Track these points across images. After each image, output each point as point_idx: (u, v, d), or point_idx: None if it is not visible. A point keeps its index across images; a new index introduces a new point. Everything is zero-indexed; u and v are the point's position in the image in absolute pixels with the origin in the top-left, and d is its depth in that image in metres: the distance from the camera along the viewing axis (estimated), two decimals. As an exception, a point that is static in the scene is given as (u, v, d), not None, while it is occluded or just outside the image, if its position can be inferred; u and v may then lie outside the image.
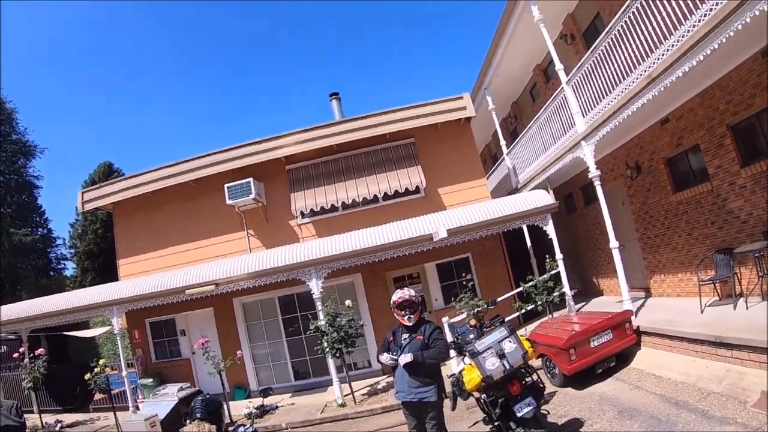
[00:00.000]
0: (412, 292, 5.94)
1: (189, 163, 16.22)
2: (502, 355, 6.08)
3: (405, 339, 5.78)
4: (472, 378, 6.55)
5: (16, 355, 15.12)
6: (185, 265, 15.25)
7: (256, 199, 15.13)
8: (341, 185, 15.53)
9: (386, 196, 15.49)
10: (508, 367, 6.04)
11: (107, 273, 32.04)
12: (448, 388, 6.38)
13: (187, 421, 5.06)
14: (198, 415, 4.75)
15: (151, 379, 15.16)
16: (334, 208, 15.71)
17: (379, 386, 13.03)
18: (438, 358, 5.66)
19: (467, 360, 6.94)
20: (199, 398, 5.06)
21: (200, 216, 16.39)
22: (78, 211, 36.26)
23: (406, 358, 5.46)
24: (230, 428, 5.55)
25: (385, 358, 5.70)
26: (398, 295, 5.93)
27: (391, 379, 13.17)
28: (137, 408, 13.42)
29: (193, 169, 16.10)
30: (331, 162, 16.03)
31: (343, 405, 11.81)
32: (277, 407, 5.99)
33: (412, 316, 5.83)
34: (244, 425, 5.27)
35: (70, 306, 14.75)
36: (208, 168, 15.95)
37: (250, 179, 15.00)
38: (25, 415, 13.43)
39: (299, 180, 15.86)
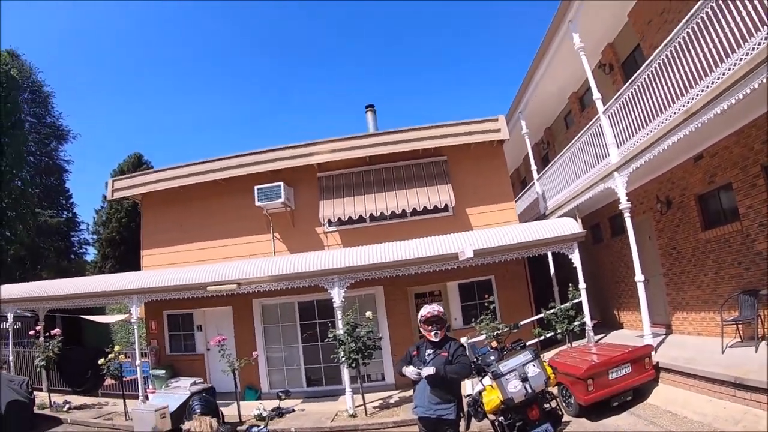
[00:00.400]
0: (440, 308, 5.97)
1: (220, 162, 16.54)
2: (524, 379, 6.17)
3: (429, 354, 5.82)
4: (491, 399, 6.63)
5: (32, 332, 15.55)
6: (208, 262, 15.59)
7: (285, 203, 15.39)
8: (371, 197, 15.72)
9: (414, 212, 15.63)
10: (529, 390, 6.12)
11: (127, 262, 32.50)
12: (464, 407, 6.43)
13: (185, 420, 5.14)
14: (198, 411, 4.89)
15: (163, 371, 15.36)
16: (361, 219, 15.88)
17: (392, 400, 13.06)
18: (460, 374, 5.71)
19: (486, 381, 7.02)
20: (196, 397, 5.17)
21: (227, 215, 16.67)
22: (106, 199, 36.99)
23: (428, 370, 5.49)
24: (243, 428, 5.62)
25: (410, 371, 5.71)
26: (427, 310, 5.97)
27: (403, 394, 13.28)
28: (147, 397, 13.70)
29: (224, 168, 16.42)
30: (363, 173, 16.26)
31: (353, 416, 11.88)
32: (293, 410, 6.04)
33: (438, 332, 5.86)
34: (258, 426, 5.35)
35: (93, 290, 15.08)
36: (240, 168, 16.26)
37: (281, 183, 15.26)
38: (35, 393, 13.79)
39: (329, 188, 16.08)
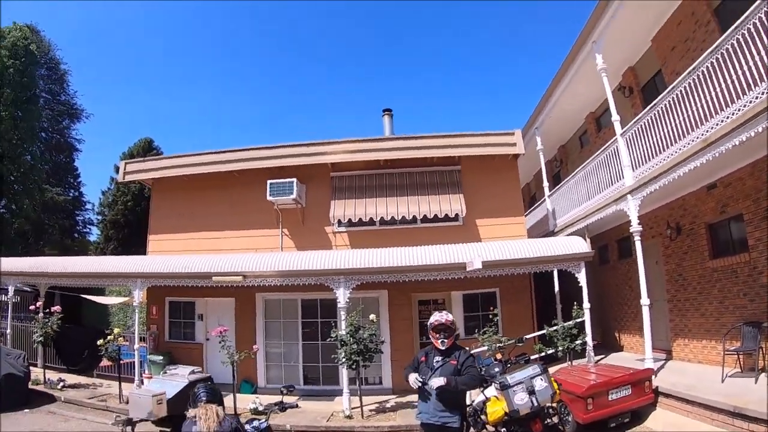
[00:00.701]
0: (450, 317, 5.97)
1: (235, 153, 16.70)
2: (532, 392, 6.27)
3: (438, 361, 5.83)
4: (495, 410, 6.72)
5: (32, 307, 15.56)
6: (214, 252, 15.69)
7: (297, 199, 15.50)
8: (382, 201, 15.86)
9: (425, 219, 15.76)
10: (535, 404, 6.23)
11: (129, 245, 32.74)
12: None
13: (189, 407, 5.15)
14: (204, 398, 4.91)
15: (161, 357, 15.43)
16: (371, 222, 15.93)
17: (388, 405, 13.11)
18: (470, 385, 5.75)
19: (488, 392, 7.12)
20: (201, 385, 5.21)
21: (237, 206, 16.79)
22: (115, 181, 37.29)
23: (438, 381, 5.48)
24: (243, 420, 5.67)
25: (413, 379, 5.73)
26: (436, 317, 5.99)
27: (400, 399, 13.36)
28: (142, 382, 13.69)
29: (238, 160, 16.57)
30: (376, 176, 16.41)
31: (350, 417, 11.93)
32: (297, 405, 6.05)
33: (446, 340, 5.87)
34: (258, 419, 5.42)
35: (98, 270, 15.25)
36: (254, 161, 16.42)
37: (294, 179, 15.39)
38: (30, 368, 13.88)
39: (341, 188, 16.24)
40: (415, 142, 15.94)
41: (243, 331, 15.69)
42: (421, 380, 5.67)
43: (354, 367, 12.11)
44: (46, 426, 11.30)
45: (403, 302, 15.50)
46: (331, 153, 16.10)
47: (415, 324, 15.41)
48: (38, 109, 33.96)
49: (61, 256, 17.48)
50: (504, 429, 6.71)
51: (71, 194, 42.15)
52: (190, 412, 4.85)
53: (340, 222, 16.13)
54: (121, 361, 14.00)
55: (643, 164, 11.21)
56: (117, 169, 37.12)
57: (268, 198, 15.45)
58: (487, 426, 7.14)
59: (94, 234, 42.66)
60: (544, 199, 18.22)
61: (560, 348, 12.51)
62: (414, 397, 12.93)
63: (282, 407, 6.19)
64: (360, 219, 15.68)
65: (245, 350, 12.92)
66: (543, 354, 12.76)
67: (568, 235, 14.71)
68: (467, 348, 6.39)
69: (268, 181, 15.50)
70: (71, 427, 11.31)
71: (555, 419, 6.81)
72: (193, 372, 12.21)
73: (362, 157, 16.06)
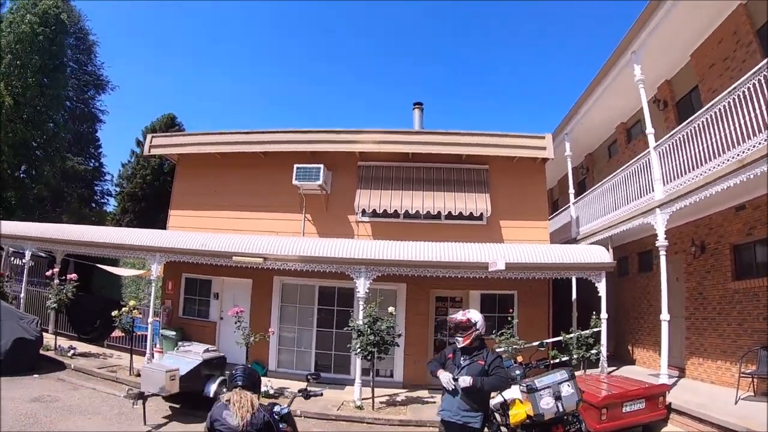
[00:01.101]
0: (467, 316, 5.96)
1: (262, 135, 16.87)
2: (558, 397, 6.35)
3: (465, 359, 5.85)
4: (518, 413, 6.80)
5: (49, 273, 15.96)
6: (235, 232, 15.86)
7: (322, 185, 15.60)
8: (408, 193, 15.96)
9: (449, 216, 15.78)
10: (560, 409, 6.31)
11: (145, 218, 33.12)
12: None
13: (224, 390, 5.11)
14: (240, 383, 4.79)
15: (174, 332, 15.60)
16: (395, 214, 16.03)
17: (399, 398, 13.17)
18: (496, 387, 5.81)
19: (508, 394, 7.21)
20: (240, 366, 5.13)
21: (261, 188, 16.93)
22: (136, 153, 37.68)
23: (465, 381, 5.53)
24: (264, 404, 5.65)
25: (445, 378, 5.73)
26: (455, 315, 6.05)
27: (410, 393, 13.48)
28: (153, 356, 14.05)
29: (265, 142, 16.75)
30: (403, 168, 16.50)
31: (360, 407, 12.03)
32: (322, 393, 6.05)
33: (460, 338, 5.89)
34: (280, 405, 5.41)
35: (117, 241, 15.50)
36: (281, 144, 16.57)
37: (321, 165, 15.49)
38: (43, 333, 14.17)
39: (368, 178, 16.37)
40: (444, 137, 16.03)
41: (258, 313, 15.85)
42: (455, 379, 5.66)
43: (369, 358, 12.20)
44: (54, 392, 11.35)
45: (420, 297, 15.60)
46: (360, 142, 16.23)
47: (431, 320, 15.55)
48: (65, 77, 34.38)
49: (79, 225, 17.67)
50: (523, 432, 6.79)
51: (91, 164, 42.76)
52: (224, 395, 4.76)
53: (364, 212, 16.27)
54: (135, 334, 14.24)
55: (674, 179, 11.25)
56: (138, 143, 37.64)
57: (294, 182, 15.54)
58: (502, 428, 7.23)
59: (111, 205, 43.18)
60: (569, 206, 18.25)
61: (575, 356, 12.57)
62: (424, 393, 13.25)
63: (306, 394, 6.25)
64: (384, 210, 15.80)
65: (260, 332, 13.10)
66: (557, 360, 12.84)
67: (590, 243, 14.75)
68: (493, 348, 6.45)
69: (295, 166, 15.60)
70: (81, 396, 11.36)
71: (579, 426, 6.84)
72: (207, 350, 12.18)
73: (391, 148, 16.17)
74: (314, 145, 16.34)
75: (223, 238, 14.68)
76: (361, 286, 13.07)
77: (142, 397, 10.08)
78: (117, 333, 15.74)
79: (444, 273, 13.22)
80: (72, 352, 14.82)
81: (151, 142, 18.11)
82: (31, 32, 29.78)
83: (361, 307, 12.87)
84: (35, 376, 12.57)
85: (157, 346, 14.91)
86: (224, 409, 4.52)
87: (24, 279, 16.77)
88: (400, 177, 16.37)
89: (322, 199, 16.43)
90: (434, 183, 16.12)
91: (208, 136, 17.55)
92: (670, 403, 9.87)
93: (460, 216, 15.71)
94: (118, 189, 41.07)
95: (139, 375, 11.84)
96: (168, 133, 19.01)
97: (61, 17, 32.04)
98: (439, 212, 15.69)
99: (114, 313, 13.50)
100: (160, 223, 17.78)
